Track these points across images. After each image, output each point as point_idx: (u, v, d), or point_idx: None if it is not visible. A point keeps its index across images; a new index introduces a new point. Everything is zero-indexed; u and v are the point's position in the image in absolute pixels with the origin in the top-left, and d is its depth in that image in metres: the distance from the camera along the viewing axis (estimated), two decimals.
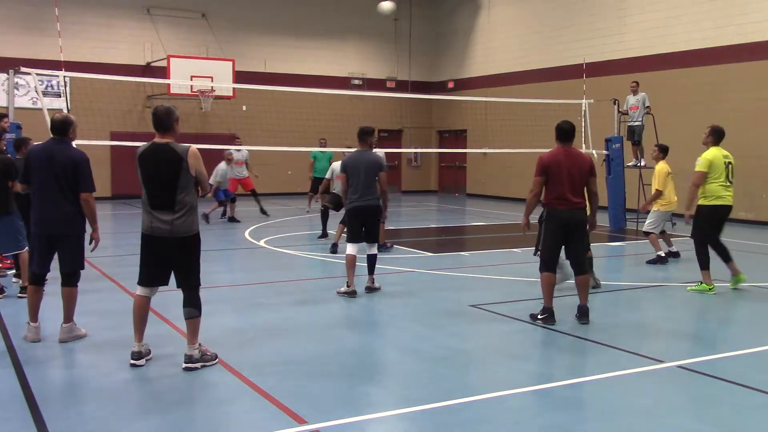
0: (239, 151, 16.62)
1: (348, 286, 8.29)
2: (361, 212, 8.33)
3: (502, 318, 7.40)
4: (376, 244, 8.55)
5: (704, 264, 8.69)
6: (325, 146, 17.74)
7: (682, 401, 5.09)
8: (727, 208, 8.68)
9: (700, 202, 8.68)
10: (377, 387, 5.35)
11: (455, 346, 6.44)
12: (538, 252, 7.44)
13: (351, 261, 8.32)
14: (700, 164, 8.63)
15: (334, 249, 11.46)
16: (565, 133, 7.15)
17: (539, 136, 18.39)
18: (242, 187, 16.84)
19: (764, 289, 9.04)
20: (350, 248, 8.37)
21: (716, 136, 8.79)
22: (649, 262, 10.83)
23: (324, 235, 13.15)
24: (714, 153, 8.66)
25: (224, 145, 17.80)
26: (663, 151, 11.06)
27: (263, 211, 16.88)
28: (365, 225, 8.40)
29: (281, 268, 10.59)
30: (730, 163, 8.71)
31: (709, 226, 8.67)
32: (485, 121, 22.24)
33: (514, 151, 18.50)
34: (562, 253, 7.33)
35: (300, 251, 11.83)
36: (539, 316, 7.15)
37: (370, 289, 8.50)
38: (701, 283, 8.71)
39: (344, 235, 9.77)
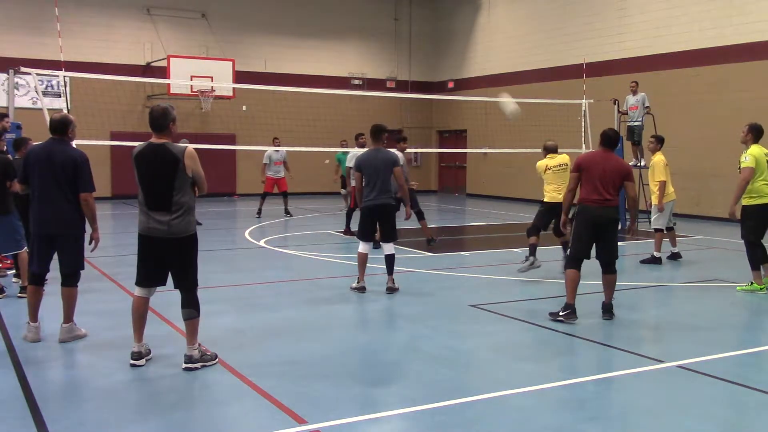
0: (278, 151, 17.04)
1: (358, 282, 8.46)
2: (376, 211, 8.40)
3: (502, 318, 7.40)
4: (392, 244, 8.62)
5: (755, 264, 8.64)
6: (346, 146, 17.83)
7: (682, 401, 5.08)
8: None
9: (746, 202, 8.58)
10: (377, 387, 5.35)
11: (455, 346, 6.44)
12: (568, 250, 7.48)
13: (363, 259, 8.44)
14: (747, 161, 8.48)
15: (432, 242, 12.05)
16: (609, 139, 7.37)
17: (539, 136, 18.36)
18: (277, 187, 17.22)
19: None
20: (363, 247, 8.47)
21: (755, 134, 8.69)
22: (643, 261, 10.84)
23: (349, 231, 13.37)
24: (757, 150, 8.56)
25: (224, 146, 17.83)
26: (659, 142, 11.05)
27: (287, 212, 17.23)
28: (381, 223, 8.51)
29: (281, 268, 10.59)
30: None
31: (757, 225, 8.61)
32: (485, 121, 22.23)
33: (514, 151, 18.49)
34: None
35: (300, 251, 11.82)
36: (561, 313, 7.16)
37: (391, 290, 8.51)
38: (752, 282, 8.69)
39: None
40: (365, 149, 8.96)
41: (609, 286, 7.32)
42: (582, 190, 7.24)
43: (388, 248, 8.57)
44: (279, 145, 16.96)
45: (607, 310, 7.31)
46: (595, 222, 7.15)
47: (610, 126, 16.00)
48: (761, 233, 8.66)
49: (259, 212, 17.08)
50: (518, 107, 13.38)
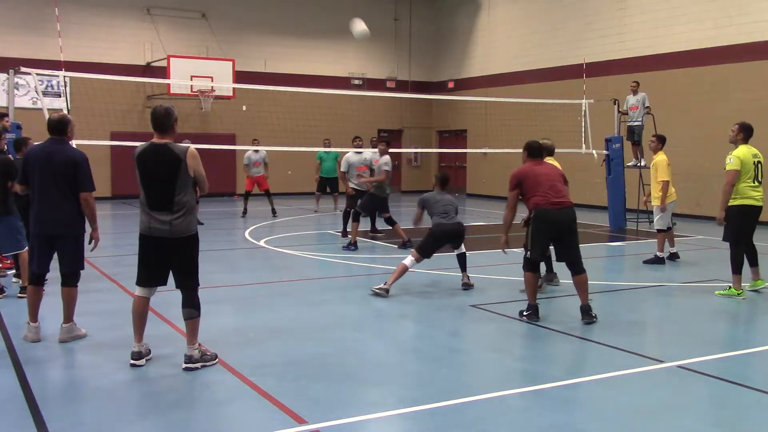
0: (257, 152, 17.23)
1: (384, 285, 8.40)
2: (446, 233, 8.74)
3: (503, 318, 7.40)
4: (462, 245, 8.95)
5: (736, 268, 8.40)
6: (329, 147, 17.98)
7: (682, 401, 5.08)
8: (756, 209, 8.37)
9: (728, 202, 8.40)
10: (377, 387, 5.35)
11: (455, 346, 6.44)
12: (528, 252, 7.44)
13: (403, 270, 8.50)
14: (732, 163, 8.27)
15: (353, 247, 11.93)
16: (535, 150, 7.52)
17: (539, 136, 18.32)
18: (257, 186, 17.35)
19: (765, 289, 9.02)
20: (411, 262, 8.54)
21: (746, 134, 8.46)
22: (646, 261, 10.81)
23: (345, 233, 13.29)
24: (744, 151, 8.32)
25: (224, 146, 17.89)
26: (661, 141, 10.99)
27: (274, 212, 17.25)
28: (454, 240, 8.88)
29: (281, 268, 10.59)
30: (759, 162, 8.41)
31: (739, 226, 8.40)
32: (485, 121, 22.23)
33: (515, 151, 18.40)
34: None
35: (300, 251, 11.83)
36: (525, 313, 7.24)
37: (467, 285, 8.78)
38: (730, 287, 8.47)
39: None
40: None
41: (582, 287, 7.17)
42: (534, 197, 7.17)
43: (461, 247, 8.94)
44: (258, 146, 17.23)
45: (586, 312, 7.10)
46: (556, 225, 7.12)
47: (611, 126, 16.21)
48: (741, 234, 8.46)
49: (245, 212, 17.23)
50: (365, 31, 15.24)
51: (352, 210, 12.64)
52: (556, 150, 9.37)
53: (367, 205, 12.55)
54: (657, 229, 10.94)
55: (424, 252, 8.62)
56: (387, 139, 12.99)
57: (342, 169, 13.93)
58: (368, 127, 21.34)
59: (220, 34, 22.81)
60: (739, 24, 16.59)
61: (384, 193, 12.45)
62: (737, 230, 8.43)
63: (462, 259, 8.92)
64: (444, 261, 11.10)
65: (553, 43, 21.56)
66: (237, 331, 6.81)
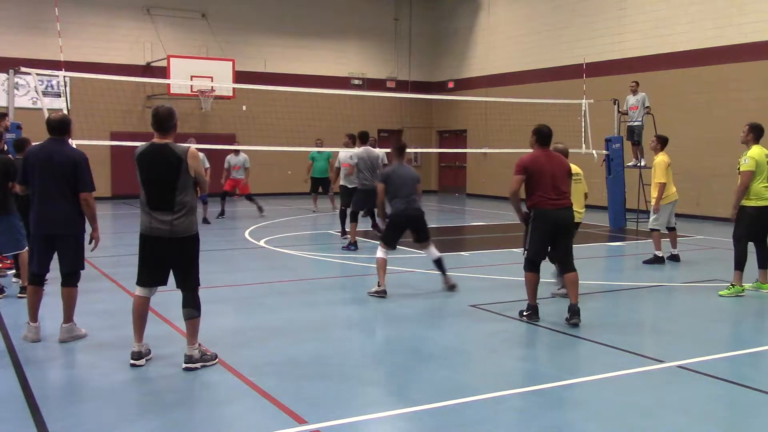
0: (237, 155, 16.86)
1: (379, 286, 8.37)
2: (410, 220, 8.60)
3: (502, 318, 7.40)
4: (432, 246, 8.75)
5: (739, 264, 8.44)
6: (321, 147, 17.96)
7: (682, 401, 5.08)
8: None
9: (743, 202, 8.38)
10: (377, 387, 5.35)
11: (455, 345, 6.44)
12: (526, 251, 7.43)
13: (383, 264, 8.43)
14: (747, 164, 8.24)
15: (353, 247, 11.93)
16: (545, 136, 7.32)
17: None
18: (238, 190, 17.01)
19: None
20: (384, 252, 8.46)
21: (756, 133, 8.44)
22: (646, 262, 10.80)
23: (344, 232, 13.24)
24: (758, 152, 8.31)
25: (224, 146, 17.87)
26: (662, 142, 10.95)
27: (260, 209, 16.94)
28: (417, 230, 8.70)
29: (281, 268, 10.59)
30: None
31: (752, 226, 8.40)
32: (485, 121, 22.24)
33: (514, 151, 18.42)
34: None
35: (300, 251, 11.83)
36: (525, 313, 7.24)
37: (452, 287, 8.64)
38: (732, 285, 8.47)
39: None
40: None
41: (573, 286, 7.13)
42: (535, 194, 7.13)
43: (434, 252, 8.73)
44: (238, 153, 16.85)
45: (575, 313, 7.01)
46: (556, 224, 7.11)
47: (611, 126, 16.21)
48: (752, 234, 8.47)
49: (222, 213, 16.82)
50: None
51: (350, 210, 12.60)
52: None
53: (359, 202, 12.42)
54: (650, 229, 10.94)
55: (388, 242, 8.57)
56: (359, 133, 12.97)
57: (336, 166, 14.34)
58: (368, 127, 21.15)
59: (220, 34, 22.82)
60: (739, 24, 16.59)
61: (373, 186, 12.29)
62: (747, 230, 8.44)
63: (439, 265, 8.74)
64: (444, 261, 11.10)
65: (553, 43, 21.57)
66: (237, 331, 6.80)
